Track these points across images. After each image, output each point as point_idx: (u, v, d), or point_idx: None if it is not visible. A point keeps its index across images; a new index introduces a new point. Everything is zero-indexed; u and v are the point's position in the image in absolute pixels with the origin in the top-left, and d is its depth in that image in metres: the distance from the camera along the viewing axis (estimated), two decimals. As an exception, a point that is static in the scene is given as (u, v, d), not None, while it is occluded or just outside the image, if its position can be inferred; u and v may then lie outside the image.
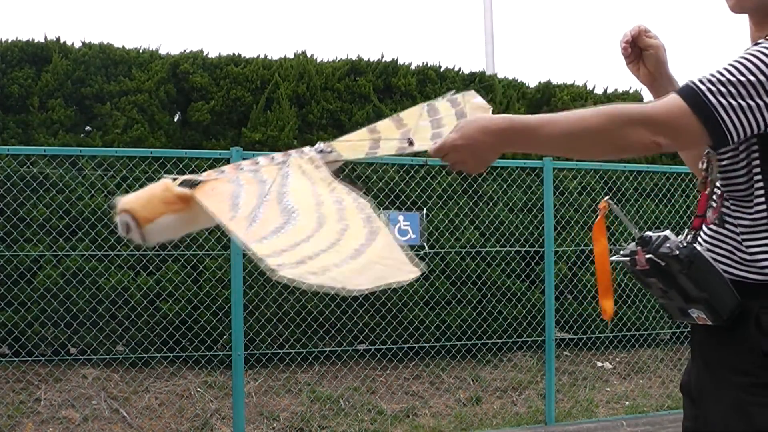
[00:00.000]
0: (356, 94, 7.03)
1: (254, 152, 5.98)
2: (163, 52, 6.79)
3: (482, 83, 7.57)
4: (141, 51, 6.72)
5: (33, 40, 6.45)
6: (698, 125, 1.55)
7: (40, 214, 5.76)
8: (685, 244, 1.67)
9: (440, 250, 6.63)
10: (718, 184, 1.72)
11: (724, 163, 1.69)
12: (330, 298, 6.33)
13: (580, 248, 7.06)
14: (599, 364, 7.17)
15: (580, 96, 7.87)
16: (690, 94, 1.56)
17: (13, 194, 5.70)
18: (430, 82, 7.33)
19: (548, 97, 7.80)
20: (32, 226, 5.77)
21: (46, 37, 6.51)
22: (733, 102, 1.54)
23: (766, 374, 1.60)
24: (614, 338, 7.22)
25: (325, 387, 6.17)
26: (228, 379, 5.80)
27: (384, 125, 2.03)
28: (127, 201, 1.66)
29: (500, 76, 7.98)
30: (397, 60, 7.33)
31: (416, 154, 2.01)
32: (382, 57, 7.32)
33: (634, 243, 1.73)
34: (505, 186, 6.87)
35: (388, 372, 6.45)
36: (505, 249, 6.80)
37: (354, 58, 7.19)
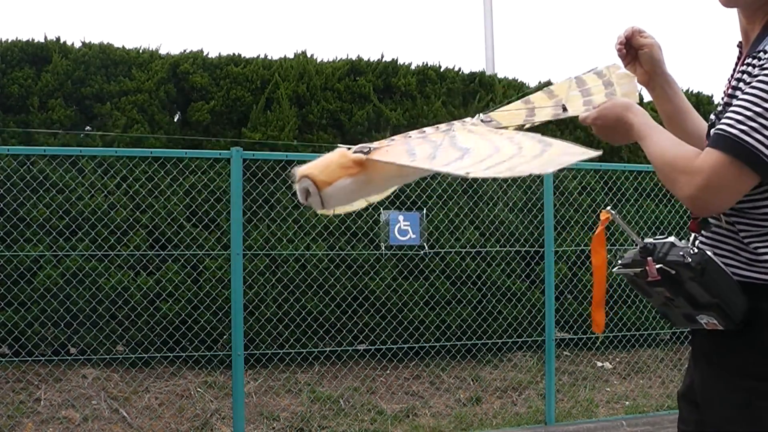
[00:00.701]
0: (356, 94, 7.03)
1: (254, 152, 5.99)
2: (163, 52, 6.79)
3: (482, 83, 7.57)
4: (141, 51, 6.72)
5: (33, 40, 6.45)
6: (745, 169, 1.53)
7: (40, 214, 5.76)
8: (695, 251, 1.63)
9: (440, 250, 6.63)
10: None
11: None
12: (330, 298, 6.34)
13: (580, 248, 7.06)
14: (599, 364, 7.17)
15: (580, 96, 7.86)
16: (725, 142, 1.54)
17: (13, 194, 5.70)
18: (430, 82, 7.33)
19: (548, 97, 7.79)
20: (32, 226, 5.77)
21: (46, 37, 6.51)
22: (766, 132, 1.52)
23: None
24: (614, 338, 7.22)
25: (325, 387, 6.17)
26: (228, 379, 5.80)
27: (537, 97, 2.15)
28: (305, 167, 1.75)
29: (500, 76, 7.98)
30: (397, 60, 7.33)
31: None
32: (382, 57, 7.32)
33: (635, 251, 1.69)
34: (505, 186, 6.87)
35: (388, 372, 6.45)
36: (505, 249, 6.80)
37: (354, 58, 7.19)
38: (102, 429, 5.37)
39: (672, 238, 1.67)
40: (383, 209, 6.16)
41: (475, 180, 6.80)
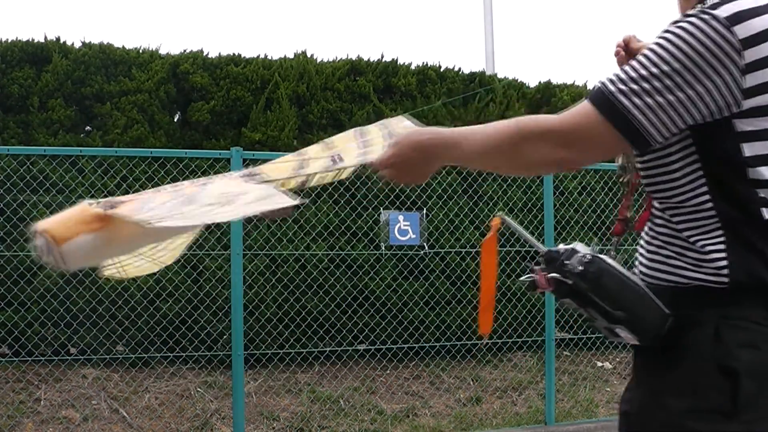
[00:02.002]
0: (356, 94, 7.03)
1: (254, 152, 5.99)
2: (163, 52, 6.79)
3: (482, 83, 7.57)
4: (141, 51, 6.72)
5: (33, 40, 6.45)
6: (614, 132, 1.38)
7: (40, 214, 5.76)
8: (589, 258, 1.45)
9: (440, 250, 6.63)
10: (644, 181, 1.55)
11: (646, 158, 1.51)
12: (330, 298, 6.34)
13: (580, 248, 7.05)
14: (599, 364, 7.17)
15: (580, 96, 7.86)
16: (600, 98, 1.39)
17: (13, 194, 5.70)
18: (430, 82, 7.33)
19: (548, 97, 7.79)
20: (32, 226, 5.76)
21: (46, 37, 6.51)
22: (650, 100, 1.36)
23: (718, 397, 1.36)
24: (614, 338, 7.22)
25: (325, 387, 6.17)
26: (228, 379, 5.79)
27: (313, 149, 2.06)
28: (42, 223, 1.66)
29: (500, 76, 7.98)
30: (397, 60, 7.33)
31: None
32: (382, 57, 7.32)
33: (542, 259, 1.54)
34: (505, 186, 6.87)
35: (388, 372, 6.44)
36: (504, 249, 6.80)
37: (354, 58, 7.19)
38: (102, 429, 5.37)
39: (576, 244, 1.50)
40: (383, 209, 6.17)
41: (475, 180, 6.80)
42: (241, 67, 6.79)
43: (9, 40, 6.38)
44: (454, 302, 6.73)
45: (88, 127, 6.55)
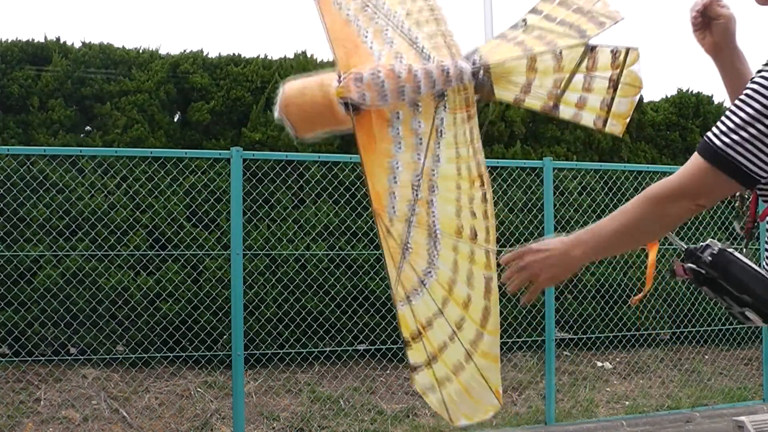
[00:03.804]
0: (356, 94, 7.02)
1: (254, 152, 5.99)
2: (163, 52, 6.80)
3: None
4: (141, 51, 6.72)
5: (33, 40, 6.46)
6: (722, 176, 1.59)
7: (40, 214, 5.76)
8: (716, 250, 1.71)
9: (440, 250, 6.62)
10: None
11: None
12: (330, 298, 6.34)
13: (580, 248, 7.05)
14: (599, 364, 7.17)
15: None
16: (708, 151, 1.61)
17: (13, 194, 5.69)
18: (430, 82, 7.32)
19: (548, 97, 7.78)
20: (32, 226, 5.76)
21: (46, 37, 6.52)
22: (750, 146, 1.57)
23: None
24: (614, 338, 7.22)
25: (325, 387, 6.17)
26: (228, 379, 5.79)
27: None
28: (286, 100, 1.81)
29: (500, 76, 7.96)
30: (397, 60, 7.31)
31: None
32: (382, 57, 7.30)
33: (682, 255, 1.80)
34: (505, 186, 6.87)
35: (388, 372, 6.44)
36: (504, 249, 6.80)
37: (354, 58, 7.18)
38: (102, 429, 5.37)
39: (710, 240, 1.76)
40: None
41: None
42: (241, 67, 6.79)
43: (9, 40, 6.38)
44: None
45: (88, 127, 6.55)
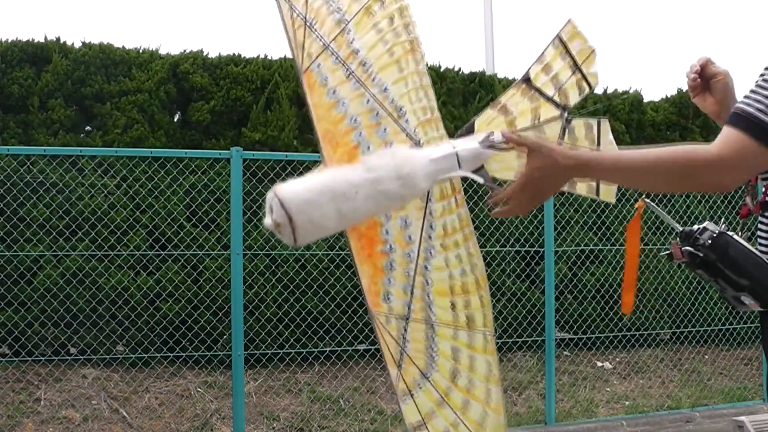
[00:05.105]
0: (356, 94, 7.02)
1: (254, 152, 5.99)
2: (163, 52, 6.79)
3: (482, 83, 7.57)
4: (141, 51, 6.72)
5: (33, 40, 6.45)
6: (761, 147, 1.54)
7: (40, 214, 5.76)
8: (717, 233, 1.70)
9: (440, 250, 6.62)
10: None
11: None
12: (330, 298, 6.34)
13: (580, 248, 7.06)
14: (599, 364, 7.17)
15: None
16: (741, 121, 1.56)
17: (13, 194, 5.69)
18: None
19: (548, 97, 7.79)
20: (32, 226, 5.76)
21: (46, 37, 6.51)
22: None
23: None
24: (614, 338, 7.22)
25: (325, 387, 6.17)
26: (228, 379, 5.79)
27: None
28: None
29: (500, 76, 7.97)
30: (397, 60, 7.31)
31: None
32: (382, 57, 7.30)
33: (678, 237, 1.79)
34: (504, 186, 6.86)
35: (388, 372, 6.43)
36: (505, 249, 6.80)
37: (354, 58, 7.18)
38: (102, 429, 5.37)
39: (707, 223, 1.74)
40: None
41: (475, 180, 6.79)
42: (241, 67, 6.79)
43: (9, 40, 6.37)
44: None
45: (88, 127, 6.55)
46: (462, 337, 1.96)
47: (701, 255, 1.72)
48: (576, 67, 2.07)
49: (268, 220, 1.64)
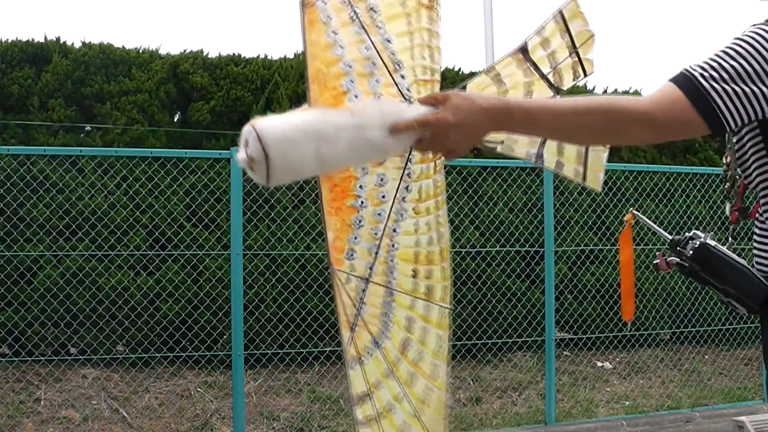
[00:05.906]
0: (356, 94, 7.02)
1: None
2: (163, 52, 6.80)
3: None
4: (141, 51, 6.72)
5: (33, 40, 6.46)
6: (695, 114, 1.50)
7: (40, 214, 5.76)
8: (699, 244, 1.71)
9: (440, 250, 6.62)
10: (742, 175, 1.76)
11: (738, 155, 1.72)
12: (330, 298, 6.33)
13: (580, 248, 7.06)
14: (599, 364, 7.17)
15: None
16: (685, 82, 1.51)
17: (13, 194, 5.69)
18: (430, 82, 7.32)
19: (548, 97, 7.79)
20: (32, 226, 5.76)
21: (46, 37, 6.51)
22: (728, 87, 1.49)
23: None
24: (614, 338, 7.22)
25: (325, 387, 6.17)
26: (228, 379, 5.79)
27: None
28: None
29: (500, 76, 7.96)
30: (397, 60, 7.31)
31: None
32: (382, 57, 7.30)
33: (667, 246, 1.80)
34: (505, 186, 6.87)
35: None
36: (505, 249, 6.80)
37: (354, 58, 7.18)
38: (102, 429, 5.37)
39: (694, 232, 1.75)
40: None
41: (475, 180, 6.80)
42: (241, 67, 6.79)
43: (9, 40, 6.38)
44: (454, 302, 6.71)
45: (88, 127, 6.55)
46: (418, 308, 1.92)
47: (686, 265, 1.74)
48: (574, 49, 2.05)
49: (241, 154, 1.51)
